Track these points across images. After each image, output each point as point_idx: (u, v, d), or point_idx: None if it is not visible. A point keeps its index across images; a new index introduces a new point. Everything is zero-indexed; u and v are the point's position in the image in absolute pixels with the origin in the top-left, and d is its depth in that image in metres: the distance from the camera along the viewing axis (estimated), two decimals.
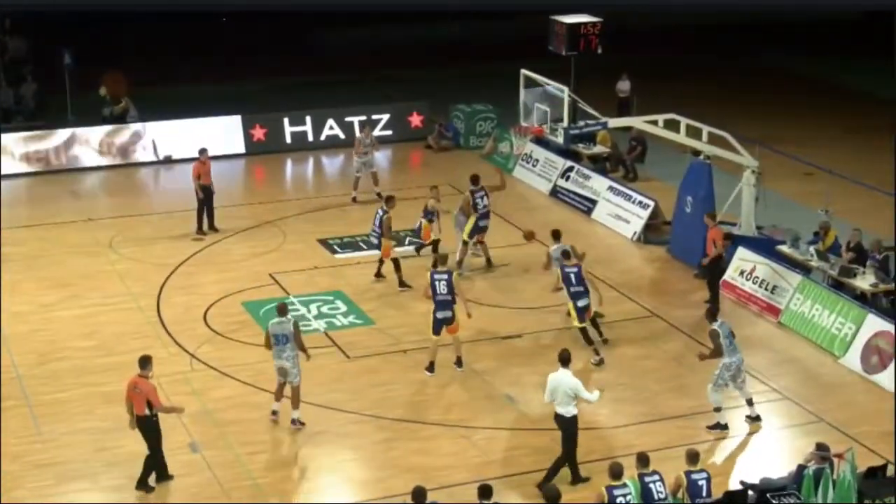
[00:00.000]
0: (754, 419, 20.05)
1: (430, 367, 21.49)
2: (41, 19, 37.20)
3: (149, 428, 17.85)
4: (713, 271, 24.19)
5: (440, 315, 21.33)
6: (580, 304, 21.84)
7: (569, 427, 18.06)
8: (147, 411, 17.73)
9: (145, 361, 17.97)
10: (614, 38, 29.81)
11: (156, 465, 18.03)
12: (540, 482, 17.72)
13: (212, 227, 27.69)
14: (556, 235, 23.44)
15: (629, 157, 31.97)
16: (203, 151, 27.87)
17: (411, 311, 23.92)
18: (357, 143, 30.14)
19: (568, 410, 17.98)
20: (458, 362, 21.68)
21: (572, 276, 21.86)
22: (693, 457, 16.28)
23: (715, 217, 24.70)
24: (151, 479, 18.01)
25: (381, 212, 24.58)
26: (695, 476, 16.10)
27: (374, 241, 24.84)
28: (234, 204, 29.81)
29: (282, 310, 19.70)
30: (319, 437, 19.43)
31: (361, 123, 33.25)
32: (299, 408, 19.61)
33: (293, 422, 19.60)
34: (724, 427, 19.76)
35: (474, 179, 25.57)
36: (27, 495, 17.85)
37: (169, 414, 18.36)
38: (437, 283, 21.30)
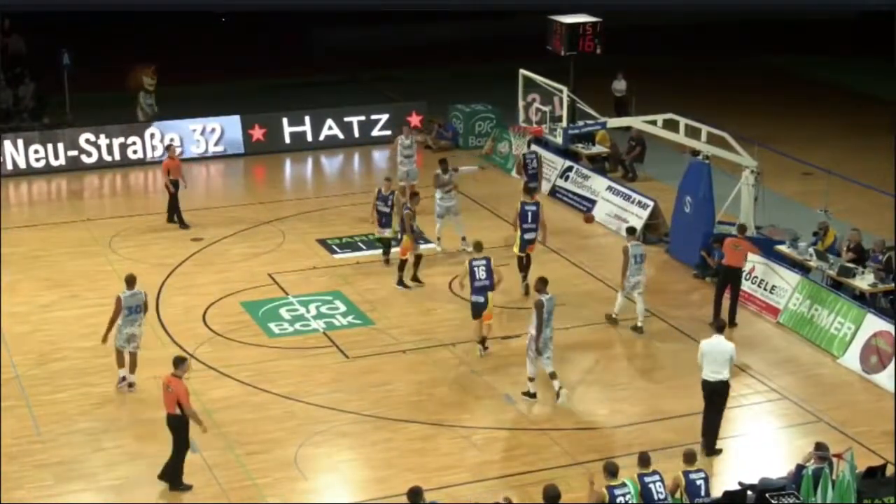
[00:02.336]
0: (558, 392, 20.51)
1: (483, 343, 22.16)
2: (40, 19, 37.18)
3: (178, 427, 17.86)
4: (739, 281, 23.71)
5: (475, 299, 22.01)
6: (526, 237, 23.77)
7: (723, 391, 18.98)
8: (177, 410, 17.74)
9: (180, 361, 18.04)
10: (613, 38, 29.81)
11: (175, 468, 18.00)
12: (705, 446, 18.83)
13: (170, 220, 28.35)
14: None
15: (628, 157, 31.96)
16: (170, 147, 29.22)
17: (411, 312, 23.94)
18: (397, 145, 29.48)
19: (716, 375, 18.87)
20: (483, 343, 22.05)
21: (529, 213, 24.21)
22: (690, 456, 16.28)
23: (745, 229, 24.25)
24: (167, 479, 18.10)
25: (380, 195, 25.22)
26: (693, 476, 16.10)
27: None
28: (233, 204, 29.84)
29: (130, 282, 20.70)
30: (319, 437, 19.43)
31: (401, 127, 31.54)
32: (135, 372, 20.77)
33: (130, 384, 20.70)
34: (533, 396, 20.53)
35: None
36: (26, 496, 17.84)
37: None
38: (476, 269, 21.93)
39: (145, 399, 20.52)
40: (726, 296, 23.53)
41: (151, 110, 34.69)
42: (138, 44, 41.02)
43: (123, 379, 20.81)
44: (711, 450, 19.03)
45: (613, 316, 23.48)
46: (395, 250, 25.46)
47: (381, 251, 26.04)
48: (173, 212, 28.30)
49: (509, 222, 25.67)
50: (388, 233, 25.47)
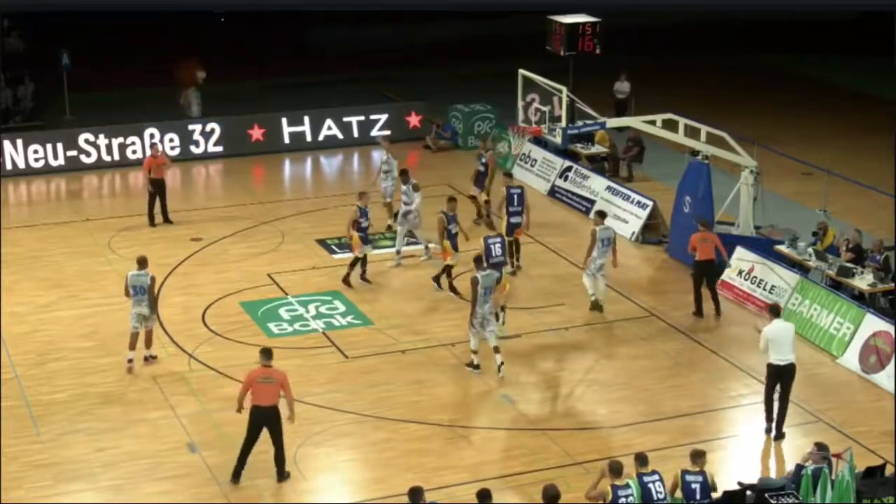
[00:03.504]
0: (499, 367, 21.19)
1: (503, 310, 22.83)
2: (39, 20, 37.20)
3: (275, 418, 17.97)
4: (712, 273, 24.11)
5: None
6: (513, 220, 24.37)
7: (792, 373, 19.35)
8: (274, 402, 17.84)
9: (269, 352, 18.07)
10: (613, 38, 29.81)
11: (282, 456, 18.18)
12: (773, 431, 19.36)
13: (166, 220, 28.40)
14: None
15: (626, 157, 31.95)
16: (154, 146, 29.56)
17: (410, 312, 23.93)
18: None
19: (785, 358, 19.23)
20: (499, 313, 22.53)
21: (515, 197, 25.09)
22: (695, 456, 16.21)
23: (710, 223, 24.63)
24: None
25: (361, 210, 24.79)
26: (689, 478, 16.06)
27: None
28: (233, 204, 29.84)
29: (140, 262, 21.48)
30: (318, 437, 19.43)
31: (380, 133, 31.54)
32: (151, 347, 21.57)
33: (146, 358, 21.47)
34: (476, 367, 21.31)
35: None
36: (25, 496, 17.83)
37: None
38: (491, 246, 23.07)
39: (145, 399, 20.53)
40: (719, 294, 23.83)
41: (200, 104, 35.07)
42: (138, 44, 41.08)
43: (130, 361, 21.32)
44: (780, 433, 19.53)
45: (593, 300, 23.91)
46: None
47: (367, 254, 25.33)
48: (153, 212, 28.24)
49: (495, 212, 25.83)
50: (368, 248, 25.06)
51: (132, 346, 21.35)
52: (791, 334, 19.61)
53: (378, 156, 28.79)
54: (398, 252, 26.00)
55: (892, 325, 21.60)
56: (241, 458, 18.12)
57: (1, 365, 21.49)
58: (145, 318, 21.32)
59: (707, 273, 23.92)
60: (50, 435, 19.39)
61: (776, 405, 19.56)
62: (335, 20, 43.05)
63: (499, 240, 23.47)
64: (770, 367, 19.45)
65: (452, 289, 24.53)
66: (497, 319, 22.03)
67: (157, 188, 28.26)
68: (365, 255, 24.90)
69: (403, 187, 26.07)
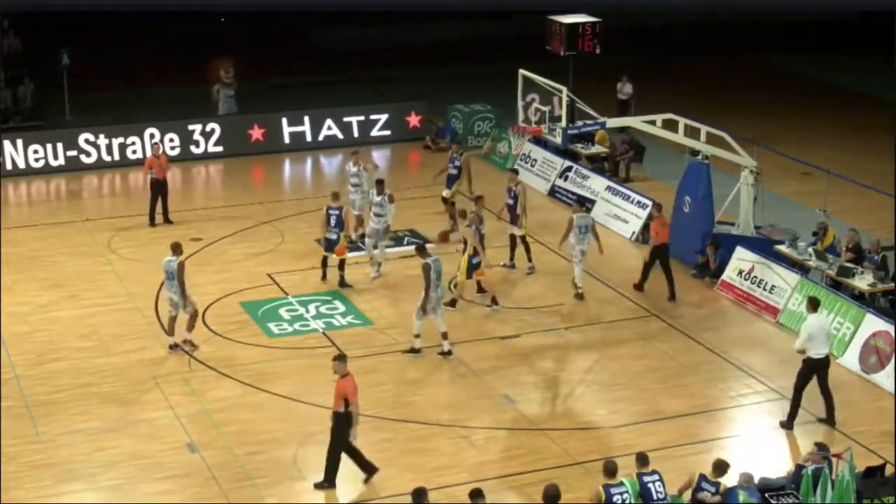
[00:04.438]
0: (446, 353, 21.77)
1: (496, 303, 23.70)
2: (38, 19, 37.19)
3: (340, 423, 17.87)
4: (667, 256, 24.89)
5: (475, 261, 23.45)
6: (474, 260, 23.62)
7: (828, 365, 19.68)
8: (342, 407, 17.78)
9: (341, 359, 18.00)
10: (613, 38, 29.79)
11: (335, 463, 18.09)
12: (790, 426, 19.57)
13: (166, 220, 28.36)
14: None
15: (622, 158, 31.93)
16: (156, 146, 29.68)
17: (410, 312, 23.85)
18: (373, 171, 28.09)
19: (822, 352, 19.57)
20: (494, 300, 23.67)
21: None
22: (718, 468, 16.16)
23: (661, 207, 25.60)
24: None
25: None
26: (705, 484, 16.03)
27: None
28: (233, 204, 29.83)
29: (172, 248, 21.98)
30: (318, 437, 19.36)
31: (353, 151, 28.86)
32: (192, 331, 21.98)
33: (186, 342, 21.89)
34: (418, 351, 21.83)
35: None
36: (25, 496, 17.82)
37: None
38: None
39: (145, 399, 20.52)
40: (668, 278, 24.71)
41: (230, 103, 35.10)
42: (137, 44, 41.10)
43: (174, 346, 21.97)
44: (832, 418, 19.87)
45: (579, 292, 24.46)
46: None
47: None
48: (154, 212, 28.21)
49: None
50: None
51: (170, 332, 21.92)
52: (828, 327, 20.30)
53: (348, 167, 27.51)
54: (379, 265, 25.33)
55: (892, 325, 21.60)
56: (333, 464, 18.01)
57: (1, 365, 21.48)
58: (175, 303, 21.77)
59: (662, 256, 24.64)
60: (49, 435, 19.38)
61: (811, 399, 19.82)
62: (336, 20, 43.02)
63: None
64: (809, 361, 19.68)
65: (480, 289, 24.30)
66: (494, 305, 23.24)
67: (159, 188, 28.26)
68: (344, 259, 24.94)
69: (378, 198, 25.21)
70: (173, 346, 21.96)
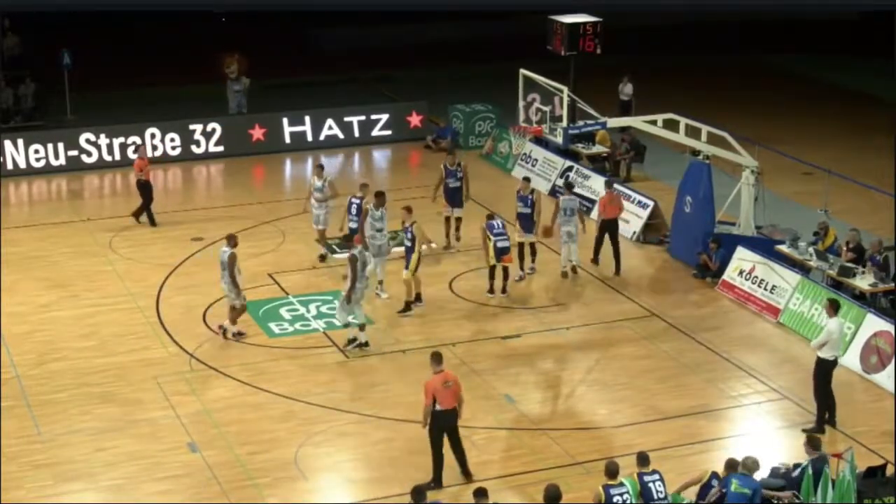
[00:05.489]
0: (360, 344, 22.07)
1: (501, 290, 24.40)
2: (39, 19, 37.19)
3: (454, 421, 18.01)
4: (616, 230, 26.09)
5: (500, 245, 23.90)
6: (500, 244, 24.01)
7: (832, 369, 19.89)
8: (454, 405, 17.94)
9: (439, 357, 18.26)
10: (614, 38, 29.79)
11: (461, 451, 18.24)
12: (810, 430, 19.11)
13: (137, 219, 28.32)
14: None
15: (623, 158, 31.93)
16: (140, 148, 29.81)
17: (410, 312, 23.90)
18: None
19: (839, 353, 19.96)
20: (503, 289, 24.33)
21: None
22: (730, 467, 16.15)
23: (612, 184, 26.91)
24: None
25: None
26: (716, 482, 16.03)
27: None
28: (233, 204, 29.83)
29: (229, 239, 22.43)
30: (319, 437, 19.42)
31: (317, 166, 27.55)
32: (233, 323, 22.44)
33: (220, 327, 22.48)
34: (355, 342, 22.15)
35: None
36: (26, 496, 17.82)
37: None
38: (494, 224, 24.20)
39: (145, 399, 20.52)
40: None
41: (237, 98, 35.21)
42: (138, 44, 41.11)
43: (238, 334, 22.56)
44: (832, 419, 19.90)
45: (564, 270, 25.40)
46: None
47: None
48: (151, 213, 28.23)
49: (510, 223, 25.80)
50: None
51: (231, 321, 22.53)
52: (843, 330, 20.77)
53: (312, 181, 26.51)
54: (381, 283, 24.47)
55: (892, 325, 21.59)
56: (441, 464, 18.03)
57: (1, 365, 21.48)
58: (226, 293, 22.27)
59: (612, 230, 25.87)
60: (50, 435, 19.38)
61: (810, 399, 20.01)
62: (336, 20, 43.02)
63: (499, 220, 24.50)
64: (827, 362, 19.74)
65: (504, 290, 24.50)
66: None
67: (143, 190, 28.21)
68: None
69: (378, 212, 24.37)
70: (236, 335, 22.54)
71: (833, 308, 20.05)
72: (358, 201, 24.94)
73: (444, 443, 18.01)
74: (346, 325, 22.22)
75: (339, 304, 22.22)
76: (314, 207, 26.29)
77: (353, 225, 24.80)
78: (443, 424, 17.92)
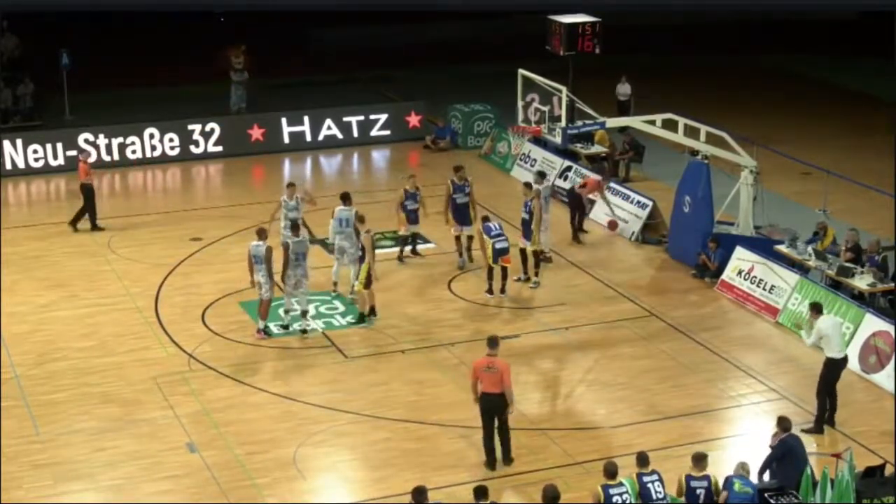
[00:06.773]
0: (303, 332, 22.65)
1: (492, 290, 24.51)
2: (38, 19, 37.19)
3: (500, 406, 18.36)
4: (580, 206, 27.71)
5: (499, 246, 23.97)
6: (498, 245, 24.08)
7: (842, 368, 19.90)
8: (499, 390, 18.26)
9: (495, 341, 18.54)
10: (612, 38, 29.78)
11: (509, 440, 18.68)
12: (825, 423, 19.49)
13: (75, 226, 27.96)
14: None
15: (622, 158, 31.93)
16: (83, 152, 29.58)
17: (409, 312, 23.93)
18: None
19: (841, 351, 19.87)
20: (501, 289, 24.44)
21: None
22: (697, 460, 16.13)
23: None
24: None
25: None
26: (694, 483, 16.01)
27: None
28: (233, 204, 29.83)
29: (260, 233, 22.63)
30: (318, 437, 19.43)
31: (292, 187, 25.62)
32: (264, 320, 22.55)
33: (258, 330, 22.58)
34: (305, 332, 22.68)
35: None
36: (26, 496, 17.82)
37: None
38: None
39: (145, 399, 20.52)
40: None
41: (237, 93, 35.28)
42: (138, 44, 41.11)
43: (261, 331, 22.73)
44: (832, 419, 19.84)
45: (547, 255, 25.96)
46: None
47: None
48: (80, 217, 27.87)
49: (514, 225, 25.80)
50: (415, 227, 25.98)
51: (262, 316, 22.66)
52: (842, 327, 20.73)
53: (283, 200, 25.11)
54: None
55: (891, 325, 21.60)
56: (488, 446, 18.54)
57: (1, 365, 21.49)
58: (259, 285, 22.43)
59: (578, 205, 27.70)
60: (50, 435, 19.38)
61: (810, 401, 19.96)
62: (335, 20, 43.03)
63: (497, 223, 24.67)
64: (837, 361, 19.75)
65: (502, 290, 24.53)
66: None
67: (85, 193, 27.94)
68: (413, 234, 25.99)
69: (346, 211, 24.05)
70: (260, 331, 22.68)
71: (816, 311, 20.01)
72: (414, 191, 25.71)
73: (493, 426, 18.45)
74: (288, 311, 22.87)
75: (286, 292, 22.86)
76: (283, 228, 24.42)
77: (413, 209, 25.68)
78: (484, 406, 18.45)
